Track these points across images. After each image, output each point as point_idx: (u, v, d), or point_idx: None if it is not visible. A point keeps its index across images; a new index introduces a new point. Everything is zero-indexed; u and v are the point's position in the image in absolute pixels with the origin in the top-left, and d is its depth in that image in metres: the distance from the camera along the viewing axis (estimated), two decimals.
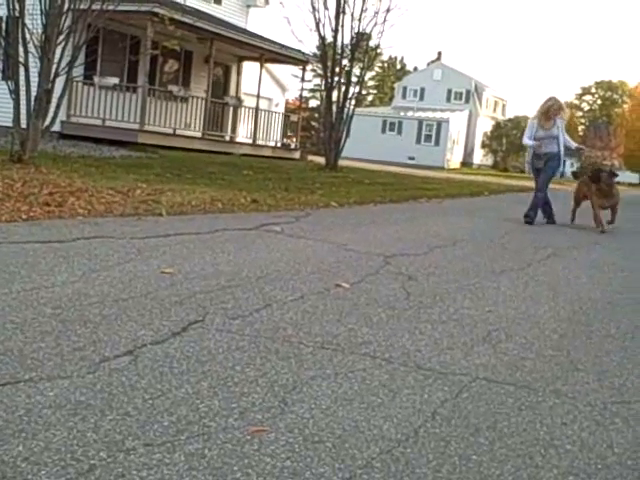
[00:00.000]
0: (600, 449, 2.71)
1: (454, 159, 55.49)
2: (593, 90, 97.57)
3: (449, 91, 60.39)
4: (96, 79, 18.79)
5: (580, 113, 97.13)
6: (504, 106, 71.41)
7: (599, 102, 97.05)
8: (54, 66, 11.98)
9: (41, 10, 11.85)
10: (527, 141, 11.01)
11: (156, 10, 17.03)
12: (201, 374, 3.02)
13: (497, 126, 63.43)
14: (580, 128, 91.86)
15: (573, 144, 11.38)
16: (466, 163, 57.57)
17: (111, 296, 4.09)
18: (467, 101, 60.37)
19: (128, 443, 2.34)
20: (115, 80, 19.17)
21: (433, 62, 64.90)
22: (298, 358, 3.36)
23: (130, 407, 2.62)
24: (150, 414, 2.58)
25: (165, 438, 2.40)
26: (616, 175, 11.27)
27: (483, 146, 61.87)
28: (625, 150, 69.07)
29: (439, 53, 64.56)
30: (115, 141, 17.71)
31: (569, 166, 78.42)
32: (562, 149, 10.84)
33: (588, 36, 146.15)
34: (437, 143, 54.02)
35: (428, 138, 54.36)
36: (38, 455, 2.20)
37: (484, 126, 61.89)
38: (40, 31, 11.89)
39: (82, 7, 12.40)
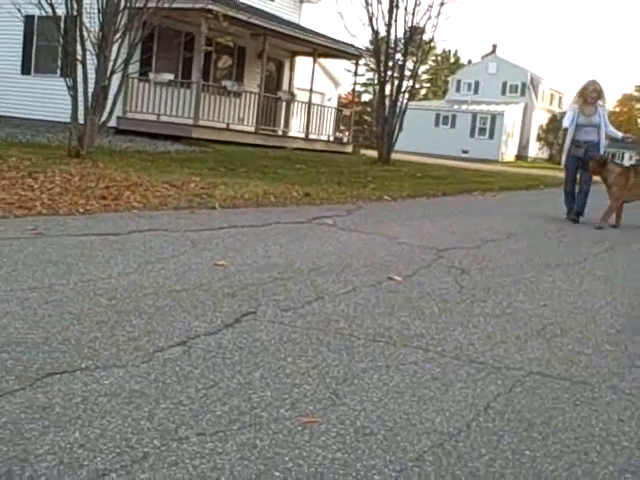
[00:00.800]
0: None
1: (509, 152, 54.75)
2: None
3: (504, 84, 59.53)
4: (151, 75, 19.05)
5: (639, 105, 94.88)
6: (560, 99, 70.08)
7: None
8: (110, 63, 12.21)
9: (98, 9, 12.08)
10: (567, 124, 10.15)
11: (210, 7, 17.20)
12: (253, 365, 3.04)
13: (553, 119, 62.25)
14: (639, 120, 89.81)
15: (619, 134, 10.61)
16: (521, 156, 56.75)
17: (165, 288, 4.15)
18: (522, 94, 59.44)
19: (181, 432, 2.37)
20: (170, 76, 19.42)
21: (488, 55, 64.04)
22: (349, 350, 3.35)
23: (183, 396, 2.65)
24: (203, 404, 2.60)
25: (217, 428, 2.43)
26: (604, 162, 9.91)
27: (538, 139, 60.87)
28: None
29: (494, 46, 63.66)
30: (170, 136, 17.96)
31: (628, 159, 76.84)
32: (603, 139, 10.03)
33: None
34: (491, 136, 53.37)
35: (482, 131, 53.75)
36: (94, 442, 2.25)
37: (540, 119, 60.86)
38: (97, 29, 12.13)
39: (138, 5, 12.62)
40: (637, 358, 3.69)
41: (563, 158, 10.43)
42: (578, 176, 10.10)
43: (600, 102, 10.12)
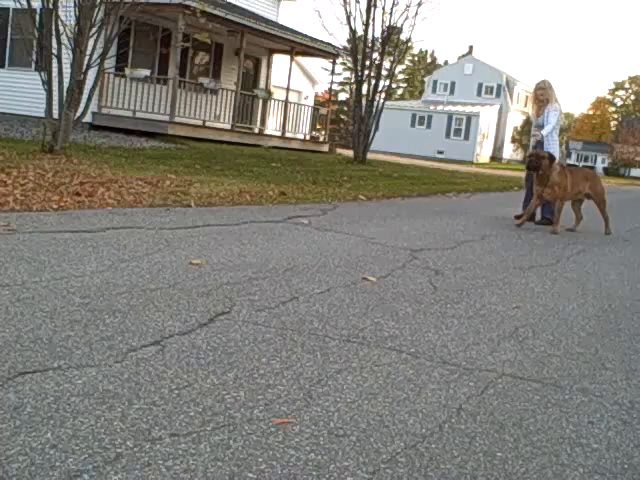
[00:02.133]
0: (627, 449, 2.68)
1: (483, 153, 55.14)
2: (627, 85, 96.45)
3: (480, 85, 59.96)
4: (127, 71, 18.93)
5: (613, 108, 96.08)
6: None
7: (632, 97, 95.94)
8: (86, 58, 12.11)
9: (74, 2, 11.99)
10: (535, 130, 9.82)
11: (188, 3, 17.11)
12: (227, 365, 3.04)
13: (528, 121, 62.76)
14: (612, 124, 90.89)
15: (544, 132, 9.53)
16: (495, 158, 57.19)
17: (139, 286, 4.13)
18: (498, 95, 59.90)
19: (154, 432, 2.36)
20: (146, 72, 19.30)
21: (464, 56, 64.50)
22: (324, 351, 3.36)
23: (157, 397, 2.64)
24: (176, 404, 2.60)
25: (191, 428, 2.42)
26: (535, 165, 9.24)
27: (513, 141, 61.42)
28: None
29: (470, 47, 64.11)
30: (145, 132, 17.86)
31: (600, 162, 77.69)
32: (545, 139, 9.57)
33: (622, 30, 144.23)
34: (467, 137, 53.72)
35: (458, 132, 54.09)
36: (66, 442, 2.23)
37: (515, 121, 61.38)
38: (73, 23, 12.03)
39: (114, 0, 12.52)
40: (607, 361, 3.73)
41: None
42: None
43: (545, 102, 9.67)
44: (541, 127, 9.67)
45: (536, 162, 9.21)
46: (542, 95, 9.76)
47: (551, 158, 9.23)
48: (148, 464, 2.16)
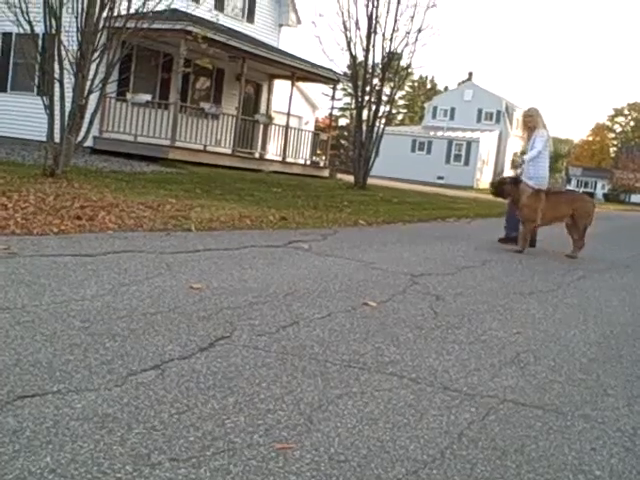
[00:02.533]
0: (630, 476, 2.66)
1: (483, 179, 55.24)
2: (626, 112, 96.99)
3: (479, 111, 60.23)
4: (129, 96, 19.04)
5: (612, 135, 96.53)
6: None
7: (632, 124, 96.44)
8: (88, 82, 12.18)
9: (77, 28, 12.07)
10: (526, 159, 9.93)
11: (189, 28, 17.24)
12: (227, 390, 3.02)
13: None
14: (612, 150, 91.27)
15: (526, 158, 9.89)
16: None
17: (139, 310, 4.12)
18: (497, 121, 60.17)
19: (154, 457, 2.35)
20: (147, 97, 19.41)
21: (464, 82, 64.86)
22: (324, 376, 3.35)
23: (156, 421, 2.62)
24: (176, 429, 2.58)
25: (191, 453, 2.40)
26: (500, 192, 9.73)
27: (513, 166, 61.51)
28: None
29: (470, 73, 64.49)
30: (146, 157, 17.92)
31: (600, 188, 77.88)
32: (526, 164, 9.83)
33: (622, 57, 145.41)
34: (467, 163, 53.88)
35: (458, 158, 54.26)
36: (65, 467, 2.21)
37: (514, 146, 61.54)
38: (75, 48, 12.10)
39: (117, 25, 12.62)
40: (609, 387, 3.72)
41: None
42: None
43: (535, 127, 9.88)
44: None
45: (498, 188, 9.77)
46: (530, 122, 10.03)
47: (514, 182, 9.55)
48: None
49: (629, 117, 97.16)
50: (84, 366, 3.11)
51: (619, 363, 4.25)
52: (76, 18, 12.03)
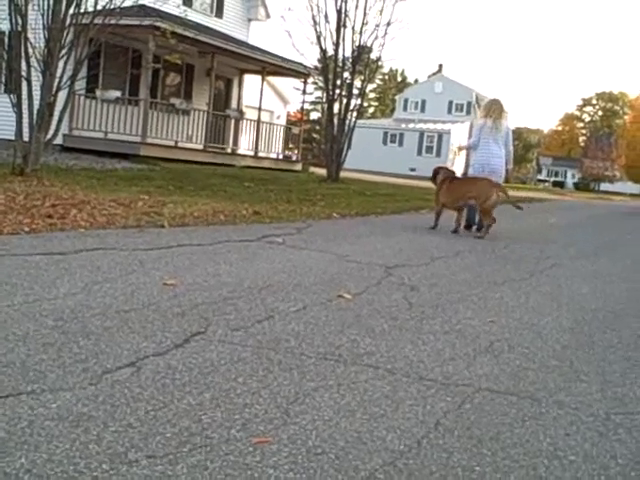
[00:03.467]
0: (603, 460, 2.70)
1: (456, 170, 55.58)
2: (594, 101, 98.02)
3: (450, 103, 60.49)
4: (98, 92, 18.88)
5: (581, 124, 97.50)
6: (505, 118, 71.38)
7: (600, 113, 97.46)
8: (56, 80, 12.06)
9: (43, 25, 11.94)
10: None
11: (158, 24, 17.12)
12: (203, 385, 3.02)
13: None
14: (581, 139, 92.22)
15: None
16: (467, 174, 57.64)
17: (113, 308, 4.10)
18: (468, 113, 60.44)
19: (131, 455, 2.34)
20: (117, 93, 19.26)
21: (434, 74, 65.11)
22: (300, 369, 3.35)
23: (132, 419, 2.61)
24: (152, 426, 2.57)
25: (168, 450, 2.40)
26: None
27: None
28: (627, 161, 69.23)
29: (440, 65, 64.77)
30: (117, 154, 17.79)
31: (570, 177, 78.64)
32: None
33: (589, 47, 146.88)
34: (438, 154, 54.04)
35: (429, 149, 54.43)
36: (41, 467, 2.20)
37: None
38: (42, 45, 11.97)
39: (84, 22, 12.49)
40: (582, 373, 3.76)
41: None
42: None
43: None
44: None
45: (432, 178, 10.65)
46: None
47: (436, 171, 10.53)
48: None
49: (597, 107, 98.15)
50: (58, 365, 3.08)
51: (592, 349, 4.30)
52: (42, 15, 11.89)
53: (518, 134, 64.83)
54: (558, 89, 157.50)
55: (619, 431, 2.99)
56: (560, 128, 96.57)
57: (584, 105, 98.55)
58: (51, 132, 12.25)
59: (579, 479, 2.52)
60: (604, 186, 69.76)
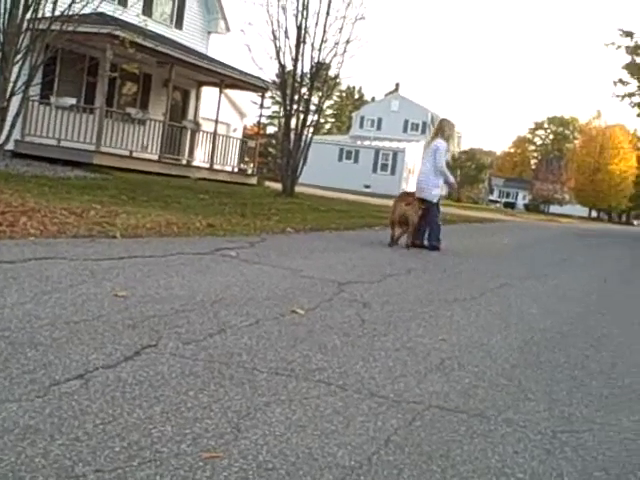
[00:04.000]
0: (550, 478, 2.74)
1: (409, 188, 56.02)
2: (546, 125, 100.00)
3: (406, 122, 61.15)
4: (53, 99, 18.62)
5: (533, 147, 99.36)
6: (459, 138, 72.50)
7: (551, 137, 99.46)
8: (10, 85, 11.87)
9: None
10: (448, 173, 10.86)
11: (116, 33, 16.98)
12: (154, 399, 2.98)
13: (452, 158, 64.35)
14: (532, 162, 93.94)
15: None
16: None
17: (62, 318, 4.03)
18: (423, 132, 61.10)
19: (78, 469, 2.30)
20: (72, 101, 19.02)
21: (391, 93, 65.78)
22: (252, 384, 3.34)
23: (80, 432, 2.57)
24: (101, 439, 2.53)
25: (116, 464, 2.36)
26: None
27: None
28: (575, 184, 70.72)
29: (397, 84, 65.51)
30: (70, 161, 17.53)
31: (521, 198, 79.95)
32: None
33: (543, 72, 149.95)
34: (393, 172, 54.50)
35: (384, 167, 54.83)
36: None
37: None
38: None
39: (41, 27, 12.33)
40: (530, 392, 3.82)
41: (441, 193, 10.93)
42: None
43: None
44: None
45: None
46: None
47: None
48: None
49: (548, 130, 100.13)
50: (4, 376, 3.02)
51: (539, 368, 4.37)
52: None
53: (471, 155, 65.75)
54: (512, 112, 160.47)
55: (565, 449, 3.04)
56: (512, 150, 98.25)
57: (536, 128, 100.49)
58: (3, 137, 12.05)
59: None
60: (553, 208, 71.09)
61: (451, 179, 10.99)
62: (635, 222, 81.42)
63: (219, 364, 3.57)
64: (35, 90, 14.84)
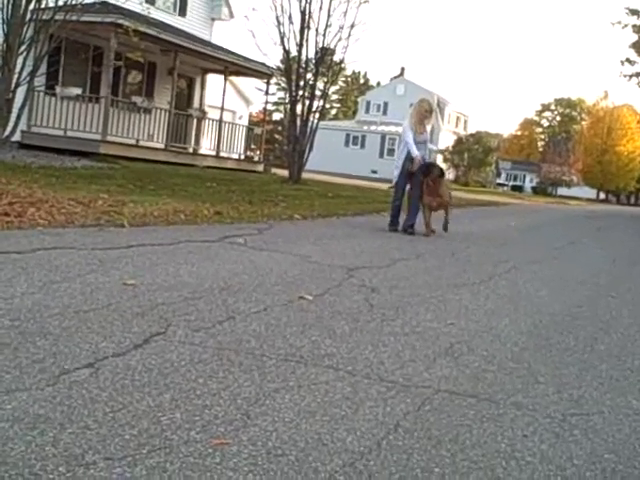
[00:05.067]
0: (560, 461, 2.74)
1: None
2: (552, 107, 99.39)
3: (412, 106, 60.94)
4: (58, 89, 18.60)
5: (540, 129, 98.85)
6: (466, 121, 72.29)
7: (558, 119, 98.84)
8: (15, 76, 11.87)
9: (2, 19, 11.75)
10: (415, 150, 10.20)
11: (120, 21, 16.93)
12: (163, 386, 2.99)
13: (459, 141, 64.12)
14: (540, 144, 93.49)
15: (434, 147, 11.18)
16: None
17: (72, 308, 4.04)
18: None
19: (88, 457, 2.31)
20: (77, 90, 19.01)
21: (396, 77, 65.56)
22: (261, 370, 3.34)
23: (90, 420, 2.58)
24: (111, 427, 2.54)
25: (126, 452, 2.37)
26: (443, 174, 10.62)
27: (445, 160, 62.47)
28: (583, 166, 70.36)
29: (402, 69, 65.29)
30: (77, 151, 17.53)
31: (528, 181, 79.65)
32: (427, 154, 10.80)
33: (550, 53, 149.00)
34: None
35: (391, 152, 54.58)
36: None
37: (446, 141, 62.50)
38: (1, 40, 11.77)
39: (45, 17, 12.32)
40: (539, 375, 3.82)
41: (396, 174, 10.66)
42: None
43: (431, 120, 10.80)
44: (426, 141, 10.75)
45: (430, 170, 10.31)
46: (430, 114, 10.94)
47: (442, 173, 10.55)
48: None
49: (555, 112, 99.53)
50: (14, 366, 3.03)
51: (549, 352, 4.37)
52: (1, 9, 11.70)
53: (478, 138, 65.40)
54: (518, 94, 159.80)
55: (575, 432, 3.04)
56: (519, 133, 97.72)
57: (543, 110, 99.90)
58: (9, 129, 12.07)
59: None
60: (561, 190, 70.79)
61: (414, 153, 10.40)
62: None
63: (228, 351, 3.58)
64: (40, 81, 14.80)
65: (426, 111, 10.72)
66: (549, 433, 2.99)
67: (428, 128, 10.87)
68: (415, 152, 10.15)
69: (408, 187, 10.49)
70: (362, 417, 2.92)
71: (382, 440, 2.72)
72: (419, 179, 10.23)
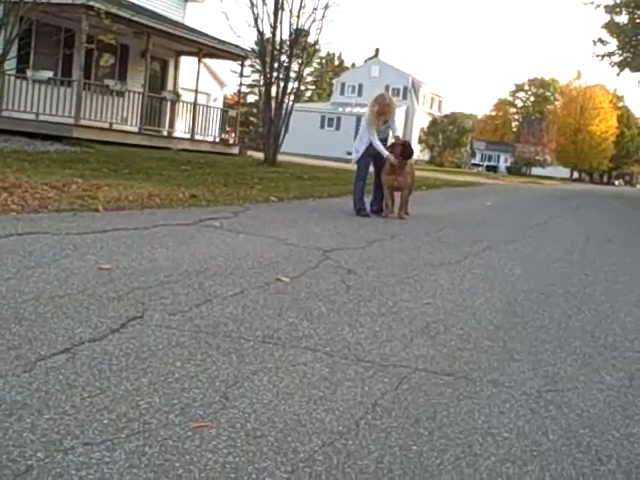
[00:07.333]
0: (535, 436, 2.78)
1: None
2: (526, 87, 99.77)
3: (387, 87, 60.85)
4: (29, 73, 18.35)
5: (514, 110, 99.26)
6: (440, 102, 72.37)
7: (532, 99, 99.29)
8: None
9: None
10: (378, 143, 10.08)
11: (91, 3, 16.69)
12: (141, 371, 2.99)
13: (434, 122, 64.28)
14: (514, 124, 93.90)
15: (398, 133, 10.77)
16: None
17: (47, 293, 4.01)
18: (404, 97, 61.00)
19: (66, 442, 2.30)
20: (49, 74, 18.76)
21: (371, 59, 65.46)
22: (239, 353, 3.35)
23: (68, 406, 2.57)
24: (89, 412, 2.54)
25: (104, 436, 2.37)
26: (410, 153, 10.27)
27: (420, 141, 62.61)
28: (557, 146, 70.85)
29: (377, 50, 65.19)
30: (49, 136, 17.32)
31: (503, 161, 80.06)
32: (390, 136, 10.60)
33: (523, 34, 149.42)
34: None
35: None
36: None
37: (421, 122, 62.62)
38: None
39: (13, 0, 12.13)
40: (515, 352, 3.86)
41: (354, 157, 10.62)
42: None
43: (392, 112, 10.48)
44: (389, 127, 10.38)
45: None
46: (391, 108, 10.42)
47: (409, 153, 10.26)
48: (60, 475, 2.10)
49: (529, 92, 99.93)
50: None
51: (524, 329, 4.41)
52: None
53: (452, 119, 65.60)
54: (492, 75, 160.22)
55: (550, 408, 3.08)
56: (494, 113, 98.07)
57: (517, 91, 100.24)
58: None
59: (513, 455, 2.59)
60: (535, 170, 71.25)
61: (385, 154, 10.27)
62: (616, 182, 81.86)
63: (205, 334, 3.58)
64: (11, 64, 14.60)
65: (386, 104, 10.34)
66: (525, 409, 3.03)
67: (395, 121, 10.58)
68: (386, 152, 10.01)
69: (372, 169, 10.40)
70: (340, 397, 2.94)
71: (360, 420, 2.74)
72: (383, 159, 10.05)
